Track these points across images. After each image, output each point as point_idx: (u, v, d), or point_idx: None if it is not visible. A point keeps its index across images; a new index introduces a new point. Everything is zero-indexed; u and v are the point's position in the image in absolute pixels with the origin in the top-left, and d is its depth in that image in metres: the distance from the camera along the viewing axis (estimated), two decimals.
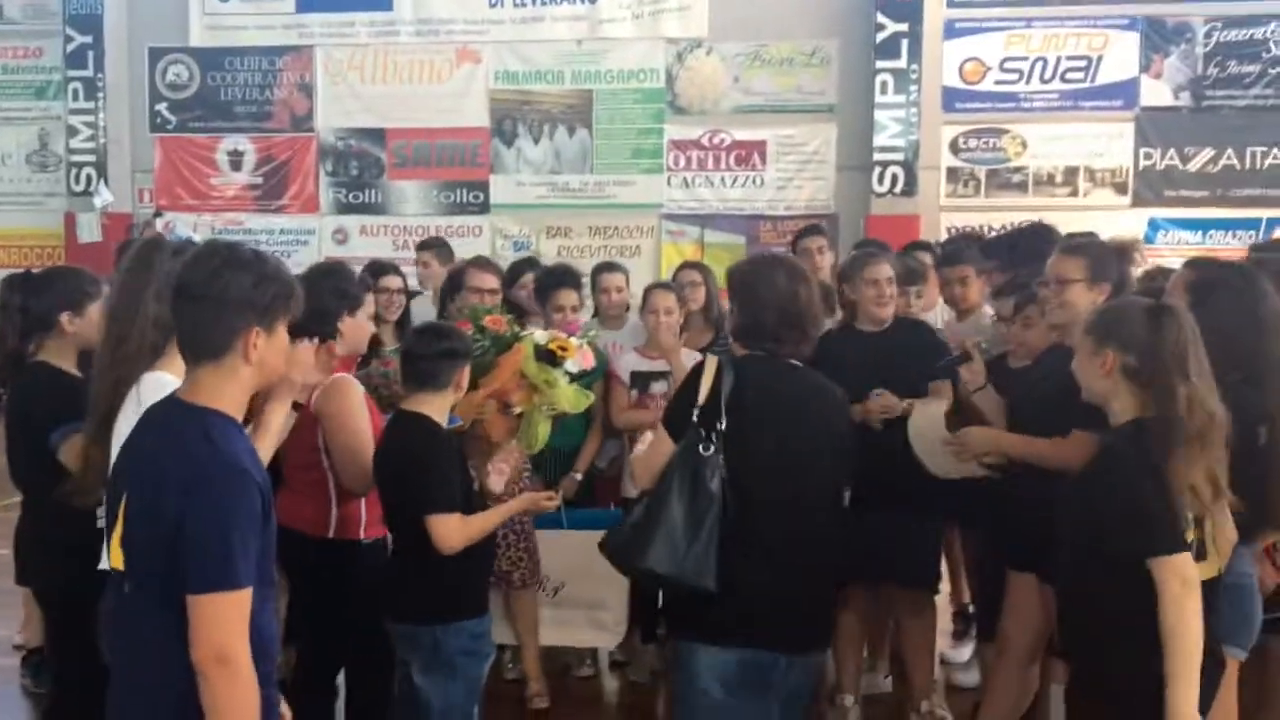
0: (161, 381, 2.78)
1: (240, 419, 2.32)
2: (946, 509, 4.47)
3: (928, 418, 4.06)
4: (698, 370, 3.10)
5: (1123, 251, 3.74)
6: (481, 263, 5.04)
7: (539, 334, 4.28)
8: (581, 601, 4.82)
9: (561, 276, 5.20)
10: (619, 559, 3.06)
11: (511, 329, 4.24)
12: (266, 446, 2.71)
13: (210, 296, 2.24)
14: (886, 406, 4.24)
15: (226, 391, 2.28)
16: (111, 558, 2.33)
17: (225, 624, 2.14)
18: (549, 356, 3.85)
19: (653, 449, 3.13)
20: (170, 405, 2.33)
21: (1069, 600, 2.98)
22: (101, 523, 2.95)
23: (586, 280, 5.59)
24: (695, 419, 2.97)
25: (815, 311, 3.18)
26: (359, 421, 3.51)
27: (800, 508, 3.03)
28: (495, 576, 4.43)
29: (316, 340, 3.36)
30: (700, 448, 2.93)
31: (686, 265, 5.84)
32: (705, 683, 3.02)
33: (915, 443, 4.05)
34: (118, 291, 2.93)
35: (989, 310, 4.96)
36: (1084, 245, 3.83)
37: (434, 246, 6.54)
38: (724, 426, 2.95)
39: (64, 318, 3.60)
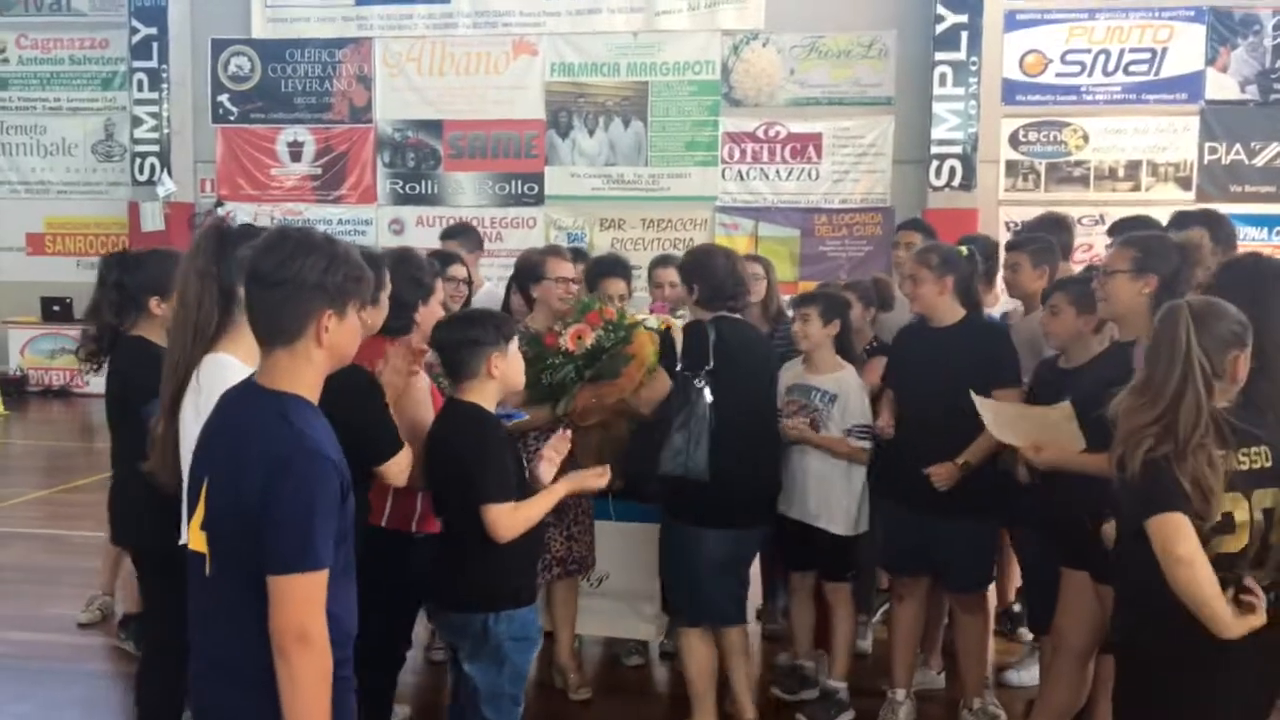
0: (220, 362, 2.82)
1: (315, 401, 2.34)
2: (1003, 511, 4.40)
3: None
4: (691, 329, 4.23)
5: (1184, 249, 3.65)
6: (559, 251, 5.01)
7: (649, 319, 4.49)
8: (625, 593, 4.83)
9: (610, 265, 5.19)
10: (634, 469, 4.20)
11: (623, 318, 4.46)
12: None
13: (283, 281, 2.26)
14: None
15: (301, 375, 2.30)
16: (191, 540, 2.36)
17: (304, 604, 2.17)
18: (665, 339, 4.39)
19: (656, 384, 4.27)
20: (247, 390, 2.35)
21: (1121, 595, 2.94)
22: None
23: (639, 272, 5.60)
24: (692, 362, 4.11)
25: (746, 280, 4.48)
26: (424, 423, 3.52)
27: (757, 419, 4.28)
28: (546, 560, 4.47)
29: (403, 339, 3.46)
30: (695, 381, 4.08)
31: (750, 258, 5.82)
32: (708, 560, 4.15)
33: (985, 410, 3.98)
34: (183, 276, 2.98)
35: None
36: (1136, 239, 3.76)
37: (460, 234, 6.52)
38: (711, 366, 4.09)
39: (152, 301, 3.70)
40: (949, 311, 4.32)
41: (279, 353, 2.30)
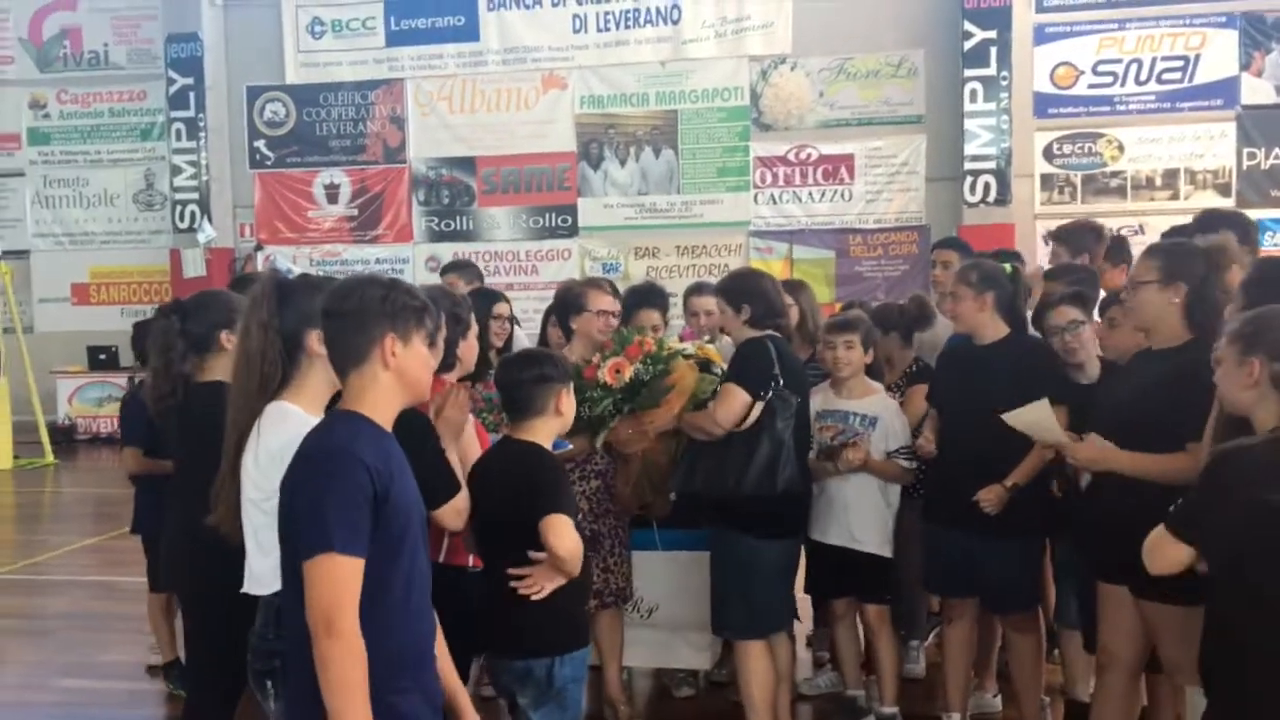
0: (283, 411, 2.83)
1: (388, 426, 2.44)
2: (1049, 528, 4.35)
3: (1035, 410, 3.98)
4: (754, 346, 4.30)
5: (1209, 255, 3.59)
6: (600, 284, 5.01)
7: (686, 347, 4.52)
8: (675, 623, 4.79)
9: (645, 296, 5.17)
10: (715, 490, 4.23)
11: (662, 348, 4.49)
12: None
13: (347, 311, 2.42)
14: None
15: (369, 396, 2.41)
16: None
17: (329, 589, 2.22)
18: (705, 366, 4.49)
19: (734, 401, 4.20)
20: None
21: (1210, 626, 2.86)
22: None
23: (675, 299, 5.59)
24: (763, 377, 4.19)
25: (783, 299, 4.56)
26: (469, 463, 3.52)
27: (805, 433, 4.41)
28: None
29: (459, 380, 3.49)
30: (778, 396, 4.17)
31: (784, 284, 5.79)
32: (766, 569, 4.24)
33: (1018, 423, 3.94)
34: (244, 330, 3.01)
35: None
36: (1160, 248, 3.72)
37: (460, 269, 6.55)
38: (781, 383, 4.20)
39: (223, 335, 3.74)
40: (991, 329, 4.27)
41: (351, 378, 2.43)
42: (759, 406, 4.15)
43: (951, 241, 6.21)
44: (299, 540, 2.28)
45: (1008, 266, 4.38)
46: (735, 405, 4.18)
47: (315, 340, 2.82)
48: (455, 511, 3.26)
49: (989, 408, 3.98)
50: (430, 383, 2.54)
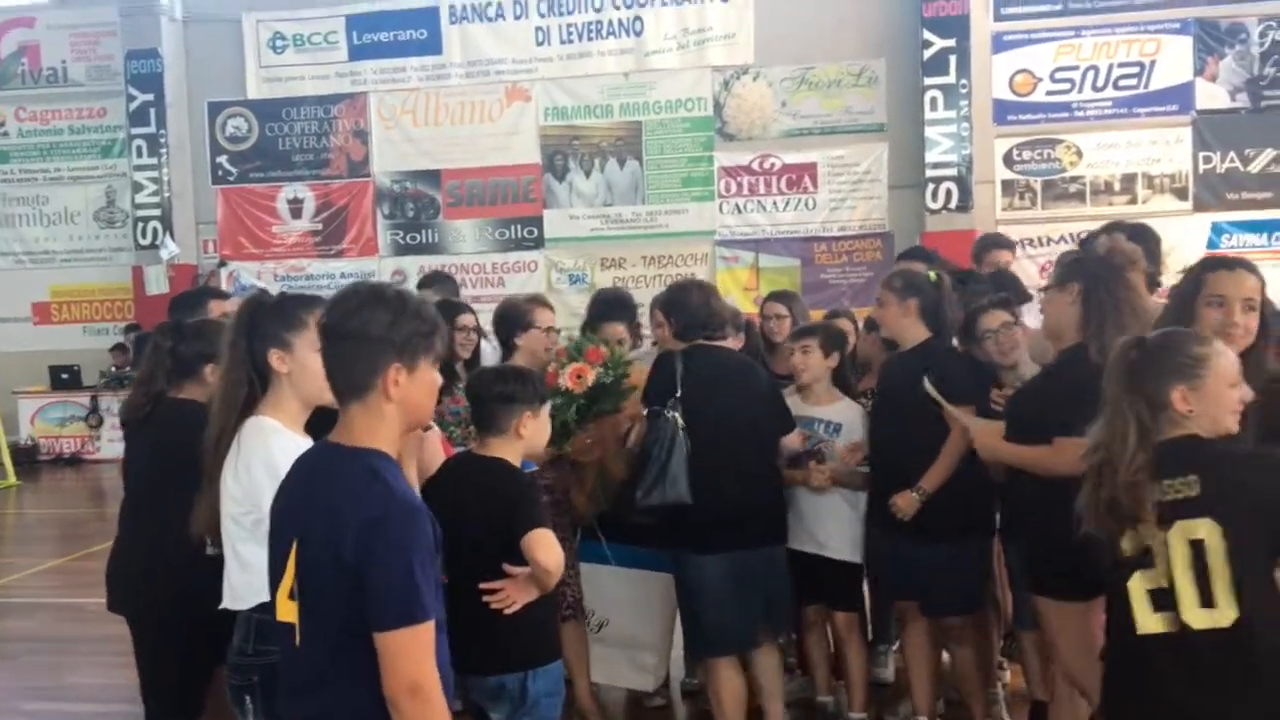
0: (261, 425, 2.84)
1: (396, 457, 2.33)
2: (987, 532, 4.41)
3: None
4: (660, 361, 4.37)
5: (1102, 258, 3.67)
6: (544, 300, 5.04)
7: (631, 354, 4.71)
8: (623, 640, 4.77)
9: (610, 307, 5.19)
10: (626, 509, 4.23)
11: (615, 351, 4.55)
12: None
13: (349, 335, 2.25)
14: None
15: (378, 431, 2.27)
16: (280, 611, 2.34)
17: (415, 656, 2.15)
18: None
19: (637, 422, 4.35)
20: (328, 450, 2.32)
21: None
22: (212, 550, 3.02)
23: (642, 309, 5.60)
24: (659, 392, 4.22)
25: (721, 311, 4.49)
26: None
27: (741, 442, 4.22)
28: None
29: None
30: (665, 411, 4.16)
31: (771, 297, 5.81)
32: (707, 586, 4.19)
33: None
34: (227, 349, 3.02)
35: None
36: (1060, 256, 3.91)
37: (436, 282, 6.49)
38: (679, 394, 4.18)
39: (207, 369, 3.72)
40: (911, 334, 4.34)
41: (353, 408, 2.28)
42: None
43: (916, 252, 6.19)
44: (382, 611, 2.14)
45: (932, 274, 4.45)
46: (636, 417, 4.35)
47: (276, 359, 2.84)
48: None
49: (907, 412, 4.08)
50: (433, 408, 2.44)
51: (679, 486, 4.09)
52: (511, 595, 3.20)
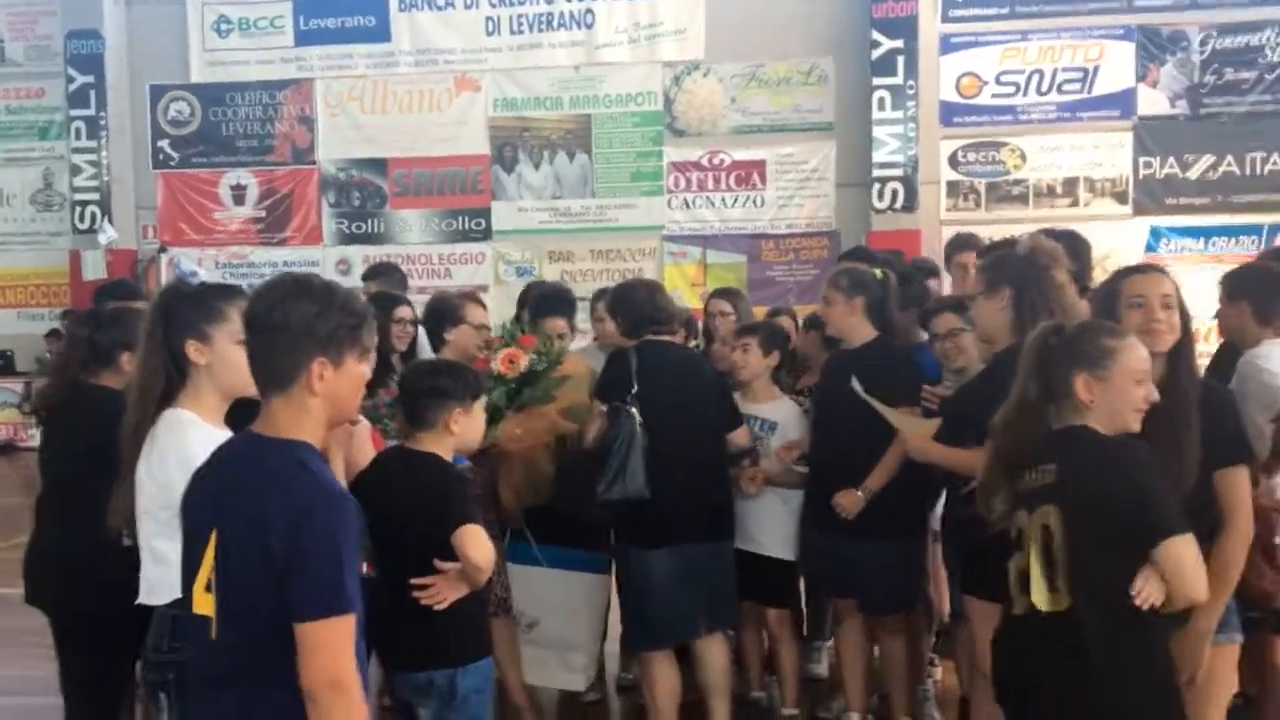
0: (177, 418, 2.78)
1: (321, 450, 2.28)
2: (921, 531, 4.45)
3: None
4: (614, 357, 4.39)
5: (1029, 258, 3.67)
6: (476, 297, 5.04)
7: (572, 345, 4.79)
8: (554, 641, 4.74)
9: (552, 304, 5.14)
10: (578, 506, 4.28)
11: (549, 342, 4.53)
12: None
13: (273, 327, 2.20)
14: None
15: (303, 424, 2.23)
16: (196, 604, 2.27)
17: (337, 649, 2.11)
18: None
19: (591, 416, 4.34)
20: (252, 441, 2.27)
21: None
22: (127, 541, 2.95)
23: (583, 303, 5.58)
24: (616, 388, 4.22)
25: (669, 305, 4.53)
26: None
27: (695, 436, 4.26)
28: None
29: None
30: (624, 406, 4.17)
31: (719, 293, 5.81)
32: (653, 580, 4.19)
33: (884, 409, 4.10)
34: (144, 338, 2.95)
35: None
36: (984, 260, 3.95)
37: (382, 274, 6.42)
38: (635, 389, 4.18)
39: (124, 357, 3.64)
40: (859, 332, 4.36)
41: (276, 401, 2.23)
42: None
43: (859, 252, 6.21)
44: (305, 602, 2.09)
45: (878, 271, 4.47)
46: (593, 414, 4.34)
47: (194, 350, 2.79)
48: None
49: (851, 411, 4.09)
50: (359, 403, 2.40)
51: (638, 480, 4.10)
52: (442, 591, 3.17)
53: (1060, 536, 2.69)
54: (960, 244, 6.06)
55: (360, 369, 2.29)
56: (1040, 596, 2.73)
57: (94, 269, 13.87)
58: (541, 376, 4.41)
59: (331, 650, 2.10)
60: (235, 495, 2.21)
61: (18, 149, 14.88)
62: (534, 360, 4.39)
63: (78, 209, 14.24)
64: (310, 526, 2.10)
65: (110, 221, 14.11)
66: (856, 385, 4.09)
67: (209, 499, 2.28)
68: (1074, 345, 2.80)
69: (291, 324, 2.19)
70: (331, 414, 2.28)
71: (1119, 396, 2.75)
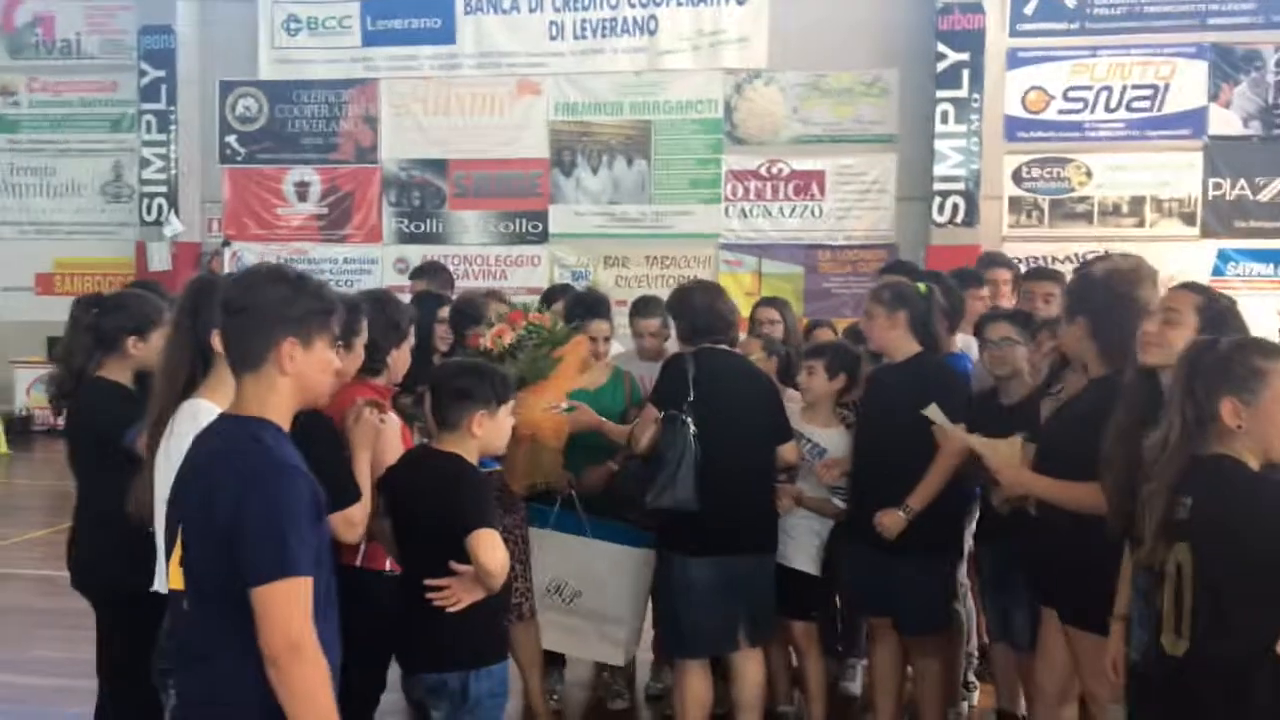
0: (196, 408, 2.82)
1: (286, 429, 2.36)
2: (957, 549, 4.36)
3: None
4: (671, 362, 4.35)
5: (1107, 284, 3.55)
6: (501, 297, 5.05)
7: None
8: (595, 614, 4.70)
9: (593, 306, 5.13)
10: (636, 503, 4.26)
11: (556, 323, 4.52)
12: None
13: (245, 308, 2.32)
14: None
15: (269, 401, 2.32)
16: (170, 579, 2.35)
17: (290, 611, 2.16)
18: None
19: (644, 421, 4.28)
20: (219, 420, 2.40)
21: None
22: (151, 530, 3.00)
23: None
24: (673, 395, 4.18)
25: (729, 313, 4.43)
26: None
27: (748, 447, 4.23)
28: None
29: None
30: (681, 415, 4.12)
31: (763, 303, 5.75)
32: (694, 588, 4.15)
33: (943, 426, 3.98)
34: (171, 329, 2.99)
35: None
36: (1067, 285, 3.90)
37: (429, 273, 6.44)
38: (692, 398, 4.14)
39: (129, 341, 3.68)
40: (901, 348, 4.28)
41: (246, 379, 2.34)
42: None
43: (898, 266, 6.14)
44: (252, 567, 2.16)
45: (922, 286, 4.39)
46: (645, 420, 4.29)
47: (218, 340, 2.80)
48: (346, 521, 3.15)
49: (895, 427, 4.01)
50: (329, 386, 2.48)
51: (688, 491, 4.08)
52: (457, 594, 3.16)
53: (1190, 578, 2.51)
54: (990, 261, 5.98)
55: (329, 355, 2.39)
56: (1168, 638, 2.58)
57: (159, 260, 14.13)
58: (531, 352, 4.36)
59: (285, 613, 2.15)
60: (194, 470, 2.32)
61: (90, 140, 15.19)
62: (522, 335, 4.37)
63: (145, 201, 14.51)
64: (254, 494, 2.19)
65: (177, 214, 14.36)
66: (935, 413, 3.95)
67: (181, 479, 2.38)
68: (1223, 365, 2.56)
69: (265, 306, 2.31)
70: (300, 394, 2.37)
71: (1270, 423, 2.52)
